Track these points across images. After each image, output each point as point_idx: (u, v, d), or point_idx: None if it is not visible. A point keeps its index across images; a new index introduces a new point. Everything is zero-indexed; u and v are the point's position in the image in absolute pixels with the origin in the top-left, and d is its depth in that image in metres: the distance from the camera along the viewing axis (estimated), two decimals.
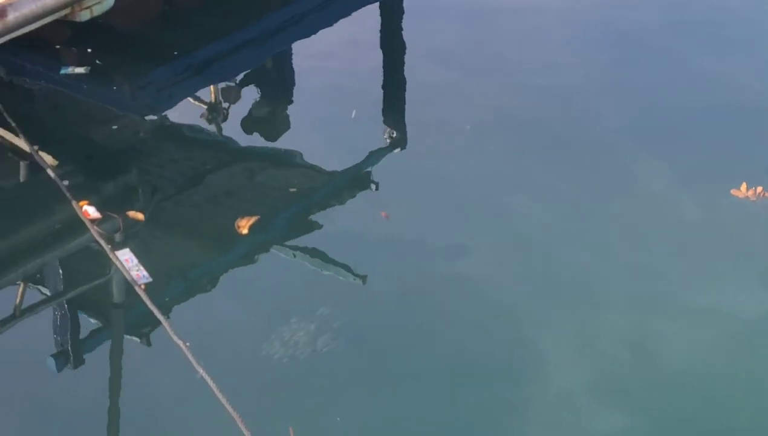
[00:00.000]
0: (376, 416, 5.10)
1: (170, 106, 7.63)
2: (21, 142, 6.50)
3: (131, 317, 5.88)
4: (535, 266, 5.98)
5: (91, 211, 6.15)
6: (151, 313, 5.51)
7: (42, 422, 5.11)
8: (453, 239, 6.18)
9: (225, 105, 7.70)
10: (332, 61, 8.13)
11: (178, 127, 7.51)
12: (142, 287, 5.62)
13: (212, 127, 7.54)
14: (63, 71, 7.60)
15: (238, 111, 7.68)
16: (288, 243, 6.31)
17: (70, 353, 5.59)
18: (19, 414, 5.16)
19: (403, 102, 7.74)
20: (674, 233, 6.16)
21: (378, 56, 8.19)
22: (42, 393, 5.31)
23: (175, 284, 6.01)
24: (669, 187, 6.53)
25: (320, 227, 6.46)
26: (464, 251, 6.09)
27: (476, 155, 6.94)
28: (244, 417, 4.75)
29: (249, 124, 7.48)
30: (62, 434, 5.07)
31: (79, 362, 5.55)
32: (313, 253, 6.16)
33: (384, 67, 8.10)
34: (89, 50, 7.75)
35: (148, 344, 5.62)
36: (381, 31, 8.41)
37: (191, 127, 7.52)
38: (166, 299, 5.76)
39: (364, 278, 5.95)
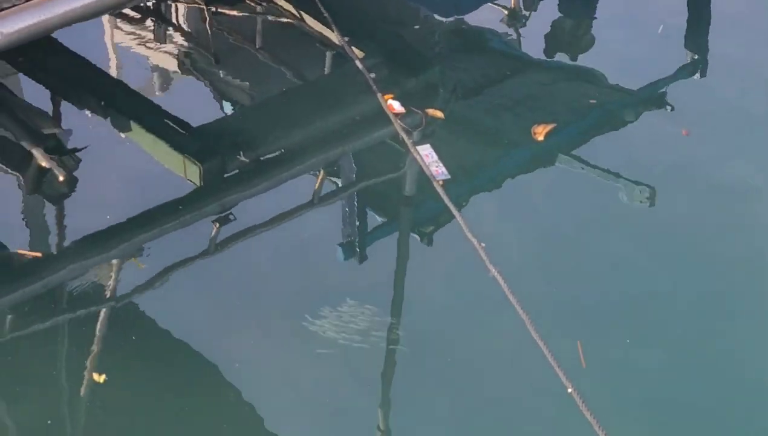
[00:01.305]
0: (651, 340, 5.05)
1: (475, 8, 7.61)
2: (331, 34, 6.63)
3: (421, 213, 5.96)
4: None
5: (395, 106, 6.23)
6: (442, 210, 5.57)
7: (321, 307, 5.23)
8: (747, 170, 6.02)
9: (525, 12, 7.65)
10: None
11: (478, 31, 7.52)
12: (440, 183, 5.66)
13: (511, 34, 7.51)
14: None
15: (538, 19, 7.64)
16: (578, 154, 6.26)
17: (356, 243, 5.71)
18: (302, 295, 5.30)
19: (708, 22, 7.52)
20: None
21: None
22: (327, 280, 5.44)
23: (467, 183, 6.03)
24: None
25: (612, 141, 6.39)
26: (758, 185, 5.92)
27: None
28: (534, 324, 4.76)
29: (551, 35, 7.42)
30: (339, 320, 5.17)
31: (364, 255, 5.67)
32: (603, 166, 6.10)
33: None
34: None
35: (431, 242, 5.69)
36: None
37: (490, 32, 7.51)
38: (459, 199, 5.77)
39: (652, 198, 5.86)
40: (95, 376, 4.86)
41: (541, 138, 6.24)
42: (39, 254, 5.53)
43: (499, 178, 6.16)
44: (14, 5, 5.35)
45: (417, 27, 7.42)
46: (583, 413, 4.40)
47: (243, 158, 6.05)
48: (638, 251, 5.52)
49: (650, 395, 4.77)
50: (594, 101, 6.68)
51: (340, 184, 6.15)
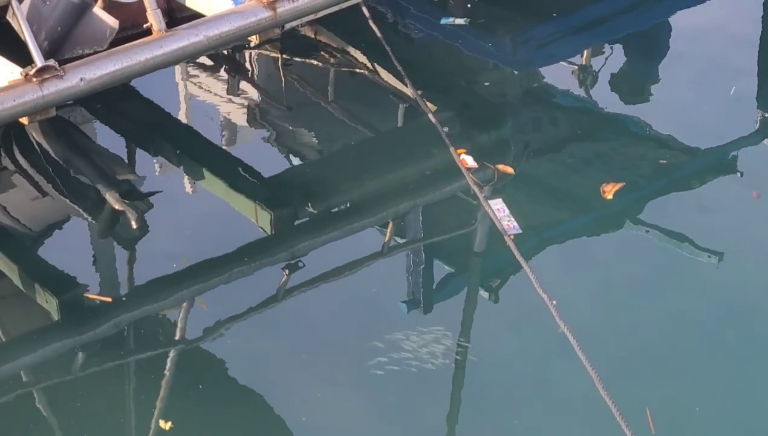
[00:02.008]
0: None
1: (547, 64, 7.67)
2: (404, 87, 6.67)
3: (488, 268, 5.94)
4: None
5: (468, 160, 6.25)
6: (508, 265, 5.55)
7: (386, 358, 5.22)
8: None
9: (596, 69, 7.67)
10: (714, 35, 7.96)
11: (548, 86, 7.55)
12: (511, 237, 5.65)
13: (581, 90, 7.53)
14: (444, 21, 7.76)
15: (608, 74, 7.64)
16: (646, 214, 6.22)
17: (421, 296, 5.71)
18: (367, 345, 5.29)
19: None
20: None
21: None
22: (393, 331, 5.40)
23: (536, 240, 6.01)
24: None
25: (681, 202, 6.35)
26: None
27: None
28: (603, 382, 4.70)
29: (620, 93, 7.43)
30: (397, 373, 5.15)
31: (428, 308, 5.66)
32: (668, 228, 6.05)
33: (760, 46, 7.86)
34: (469, 5, 7.92)
35: (498, 296, 5.67)
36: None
37: (561, 88, 7.53)
38: (528, 255, 5.70)
39: (720, 256, 5.81)
40: (161, 423, 4.88)
41: (609, 196, 6.22)
42: (108, 299, 5.58)
43: (567, 237, 6.14)
44: (96, 52, 5.43)
45: (487, 82, 7.45)
46: None
47: (312, 209, 6.09)
48: (708, 314, 5.46)
49: None
50: (664, 161, 6.66)
51: (408, 237, 6.16)
